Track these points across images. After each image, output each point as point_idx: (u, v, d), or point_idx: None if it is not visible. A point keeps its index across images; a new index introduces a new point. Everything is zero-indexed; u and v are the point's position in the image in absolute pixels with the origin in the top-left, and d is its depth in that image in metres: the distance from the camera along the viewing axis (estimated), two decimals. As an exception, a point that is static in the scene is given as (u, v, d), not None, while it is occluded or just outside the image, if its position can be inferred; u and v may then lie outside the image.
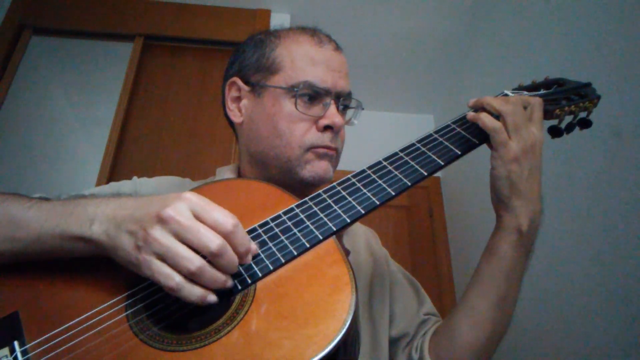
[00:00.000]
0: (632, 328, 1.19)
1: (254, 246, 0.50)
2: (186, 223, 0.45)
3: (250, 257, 0.49)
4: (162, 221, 0.45)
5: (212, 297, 0.45)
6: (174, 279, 0.44)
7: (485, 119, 0.61)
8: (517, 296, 0.64)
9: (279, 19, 2.29)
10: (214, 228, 0.45)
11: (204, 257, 0.45)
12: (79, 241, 0.49)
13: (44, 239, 0.50)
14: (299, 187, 0.67)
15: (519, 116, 0.60)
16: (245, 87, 0.74)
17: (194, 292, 0.44)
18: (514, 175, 0.59)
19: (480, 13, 2.25)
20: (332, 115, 0.69)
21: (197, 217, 0.46)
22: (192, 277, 0.44)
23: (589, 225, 1.40)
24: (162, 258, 0.44)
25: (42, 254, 0.51)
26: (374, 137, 2.36)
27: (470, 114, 0.64)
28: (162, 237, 0.44)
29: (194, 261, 0.44)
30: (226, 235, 0.46)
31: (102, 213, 0.49)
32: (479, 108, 0.64)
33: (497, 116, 0.61)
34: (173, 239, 0.44)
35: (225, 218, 0.46)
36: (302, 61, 0.70)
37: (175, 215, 0.45)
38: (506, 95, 0.69)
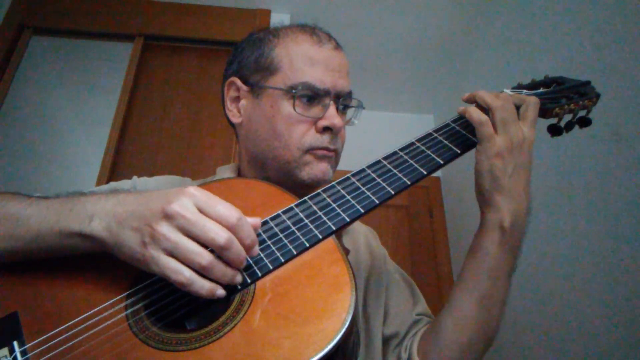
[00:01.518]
0: (632, 328, 1.19)
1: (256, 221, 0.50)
2: (192, 218, 0.45)
3: (257, 249, 0.49)
4: (167, 217, 0.45)
5: (221, 291, 0.46)
6: (184, 274, 0.44)
7: (472, 112, 0.60)
8: (505, 296, 0.62)
9: (279, 19, 2.28)
10: (218, 221, 0.45)
11: (211, 251, 0.46)
12: (79, 238, 0.49)
13: (43, 236, 0.49)
14: (298, 188, 0.67)
15: (507, 112, 0.59)
16: (244, 87, 0.73)
17: (204, 286, 0.45)
18: (497, 170, 0.58)
19: (480, 13, 2.25)
20: (331, 116, 0.68)
21: (202, 212, 0.46)
22: (203, 271, 0.44)
23: (589, 225, 1.40)
24: (171, 254, 0.44)
25: (41, 251, 0.50)
26: (374, 137, 2.35)
27: (460, 108, 0.63)
28: (169, 232, 0.44)
29: (205, 256, 0.44)
30: (231, 228, 0.46)
31: (102, 209, 0.48)
32: (472, 102, 0.64)
33: (488, 111, 0.61)
34: (180, 234, 0.45)
35: (229, 211, 0.46)
36: (300, 61, 0.69)
37: (181, 211, 0.45)
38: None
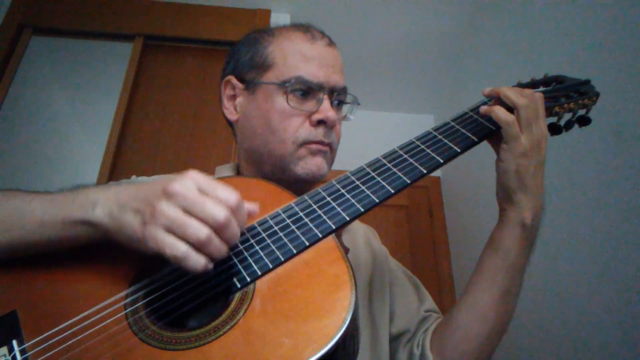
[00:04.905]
0: (632, 328, 1.19)
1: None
2: (193, 196, 0.45)
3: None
4: (168, 196, 0.45)
5: (211, 265, 0.46)
6: (179, 248, 0.44)
7: (499, 112, 0.60)
8: (519, 290, 0.64)
9: (278, 19, 2.29)
10: (218, 202, 0.46)
11: None
12: (82, 226, 0.49)
13: (46, 226, 0.50)
14: (294, 183, 0.67)
15: (531, 111, 0.60)
16: (240, 85, 0.74)
17: (199, 260, 0.45)
18: (523, 169, 0.59)
19: (480, 12, 2.25)
20: (325, 109, 0.68)
21: (202, 193, 0.47)
22: (200, 245, 0.45)
23: (589, 224, 1.40)
24: (170, 229, 0.45)
25: (44, 243, 0.50)
26: (374, 137, 2.36)
27: (484, 107, 0.63)
28: (169, 209, 0.45)
29: (203, 229, 0.44)
30: (230, 210, 0.46)
31: (104, 196, 0.49)
32: (494, 97, 0.64)
33: (511, 108, 0.61)
34: (180, 211, 0.45)
35: (229, 194, 0.47)
36: (294, 57, 0.70)
37: (182, 190, 0.45)
38: None
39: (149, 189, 0.48)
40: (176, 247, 0.44)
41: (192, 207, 0.45)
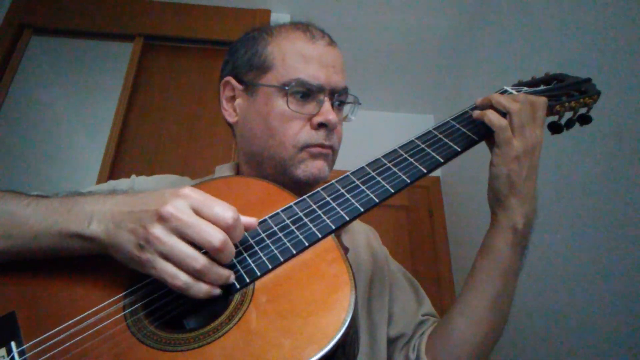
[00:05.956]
0: (632, 328, 1.19)
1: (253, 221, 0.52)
2: (187, 220, 0.45)
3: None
4: (162, 219, 0.44)
5: (217, 290, 0.46)
6: (180, 278, 0.44)
7: (492, 116, 0.60)
8: (513, 295, 0.64)
9: (279, 19, 2.28)
10: (214, 222, 0.45)
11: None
12: (77, 239, 0.48)
13: (41, 237, 0.49)
14: (295, 186, 0.66)
15: (525, 115, 0.59)
16: (239, 87, 0.73)
17: (201, 289, 0.45)
18: (514, 174, 0.59)
19: (480, 12, 2.25)
20: (326, 112, 0.67)
21: (197, 213, 0.46)
22: (197, 274, 0.44)
23: (589, 225, 1.40)
24: (166, 257, 0.44)
25: (40, 252, 0.50)
26: (374, 137, 2.35)
27: (476, 112, 0.63)
28: (163, 235, 0.44)
29: (199, 260, 0.44)
30: (227, 229, 0.46)
31: (100, 211, 0.48)
32: (486, 106, 0.64)
33: (504, 114, 0.61)
34: (175, 237, 0.44)
35: (225, 212, 0.46)
36: (293, 58, 0.68)
37: (175, 213, 0.44)
38: (506, 91, 0.69)
39: (144, 207, 0.46)
40: (177, 278, 0.44)
41: (186, 232, 0.44)
